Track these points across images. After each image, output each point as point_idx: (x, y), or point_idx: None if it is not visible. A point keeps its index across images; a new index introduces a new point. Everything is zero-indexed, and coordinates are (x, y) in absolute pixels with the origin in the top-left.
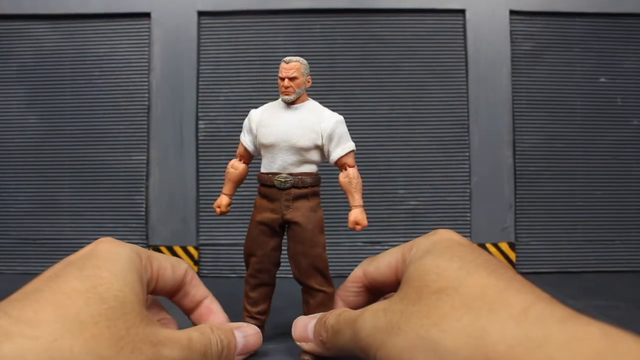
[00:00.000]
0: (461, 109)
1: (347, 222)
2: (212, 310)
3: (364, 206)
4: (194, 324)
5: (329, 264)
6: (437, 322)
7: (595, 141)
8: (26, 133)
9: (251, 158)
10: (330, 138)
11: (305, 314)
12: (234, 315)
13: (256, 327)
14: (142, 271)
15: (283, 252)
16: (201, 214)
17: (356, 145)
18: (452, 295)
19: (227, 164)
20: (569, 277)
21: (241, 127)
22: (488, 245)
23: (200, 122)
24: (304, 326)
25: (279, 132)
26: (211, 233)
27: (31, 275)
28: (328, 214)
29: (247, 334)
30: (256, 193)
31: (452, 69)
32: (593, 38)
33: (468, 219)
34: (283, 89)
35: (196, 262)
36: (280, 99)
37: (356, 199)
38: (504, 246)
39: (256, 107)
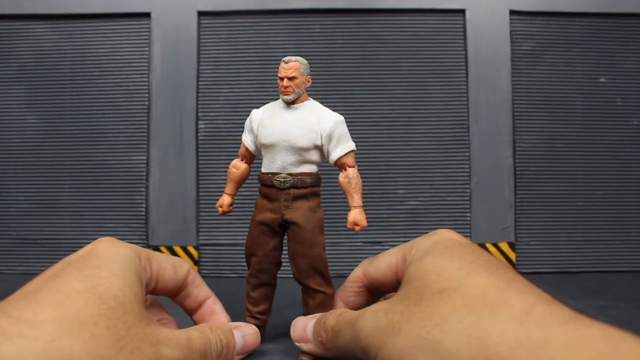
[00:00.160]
0: (461, 109)
1: (347, 222)
2: (214, 311)
3: (363, 206)
4: (196, 324)
5: (329, 264)
6: (438, 323)
7: (595, 141)
8: (26, 133)
9: (253, 158)
10: (329, 138)
11: (305, 314)
12: (235, 315)
13: (255, 327)
14: (142, 271)
15: (284, 252)
16: (201, 214)
17: (356, 145)
18: (453, 296)
19: (227, 163)
20: (569, 277)
21: (241, 127)
22: (488, 245)
23: (200, 122)
24: (303, 327)
25: (279, 132)
26: (211, 233)
27: (31, 275)
28: (328, 214)
29: (245, 333)
30: (256, 193)
31: (452, 69)
32: (593, 38)
33: (468, 219)
34: (282, 89)
35: (196, 262)
36: (280, 99)
37: (355, 199)
38: (504, 246)
39: (256, 107)
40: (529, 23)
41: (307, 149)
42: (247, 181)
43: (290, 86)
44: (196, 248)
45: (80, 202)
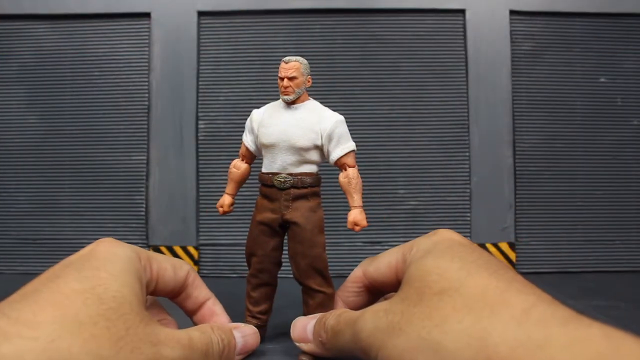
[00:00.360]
0: (461, 109)
1: (347, 222)
2: (214, 312)
3: (363, 206)
4: (196, 326)
5: (329, 264)
6: (438, 324)
7: (595, 141)
8: (26, 133)
9: (253, 158)
10: (329, 138)
11: (305, 314)
12: (235, 315)
13: (254, 327)
14: (142, 272)
15: (284, 252)
16: (201, 214)
17: (356, 145)
18: (454, 297)
19: (227, 163)
20: (569, 277)
21: (241, 127)
22: (488, 245)
23: (200, 122)
24: (303, 327)
25: (279, 132)
26: (211, 233)
27: (31, 275)
28: (328, 214)
29: (245, 333)
30: (257, 193)
31: (452, 69)
32: (593, 38)
33: (468, 219)
34: (282, 89)
35: (196, 262)
36: (280, 99)
37: (355, 199)
38: (504, 246)
39: (256, 107)
40: (529, 23)
41: (307, 149)
42: (247, 181)
43: (291, 86)
44: (196, 248)
45: (80, 202)
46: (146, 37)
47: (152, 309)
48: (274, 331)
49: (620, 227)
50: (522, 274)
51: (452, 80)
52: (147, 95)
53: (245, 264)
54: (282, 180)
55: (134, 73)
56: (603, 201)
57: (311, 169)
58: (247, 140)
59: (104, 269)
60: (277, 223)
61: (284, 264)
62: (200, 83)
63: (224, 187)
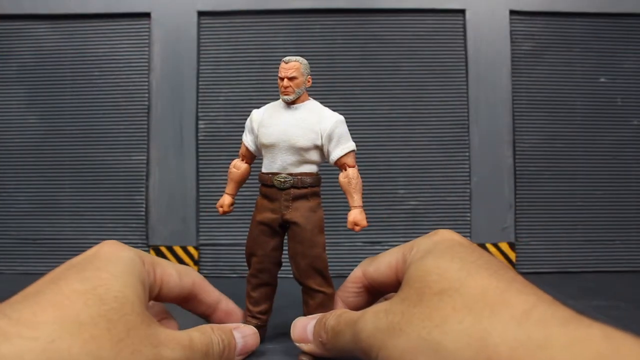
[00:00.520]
0: (461, 109)
1: (347, 222)
2: (229, 312)
3: (363, 206)
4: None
5: (329, 264)
6: (438, 324)
7: (595, 141)
8: (26, 133)
9: (253, 158)
10: (329, 138)
11: (305, 314)
12: None
13: (254, 328)
14: (144, 274)
15: (284, 252)
16: (201, 214)
17: (356, 145)
18: (454, 297)
19: (227, 163)
20: (569, 277)
21: (241, 127)
22: (488, 245)
23: (200, 122)
24: (303, 327)
25: (279, 132)
26: (211, 233)
27: (31, 275)
28: (328, 214)
29: (245, 334)
30: (256, 193)
31: (452, 69)
32: (593, 38)
33: (468, 219)
34: (282, 89)
35: (196, 262)
36: (280, 99)
37: (355, 199)
38: (504, 246)
39: (256, 107)
40: (529, 23)
41: (307, 149)
42: (247, 181)
43: (291, 86)
44: (196, 248)
45: (80, 202)
46: (146, 37)
47: (153, 308)
48: (274, 331)
49: (620, 227)
50: (522, 274)
51: (452, 80)
52: (147, 95)
53: (245, 264)
54: (282, 180)
55: (134, 73)
56: (603, 201)
57: (311, 169)
58: (247, 140)
59: (105, 270)
60: (277, 223)
61: (284, 264)
62: (200, 83)
63: (224, 187)
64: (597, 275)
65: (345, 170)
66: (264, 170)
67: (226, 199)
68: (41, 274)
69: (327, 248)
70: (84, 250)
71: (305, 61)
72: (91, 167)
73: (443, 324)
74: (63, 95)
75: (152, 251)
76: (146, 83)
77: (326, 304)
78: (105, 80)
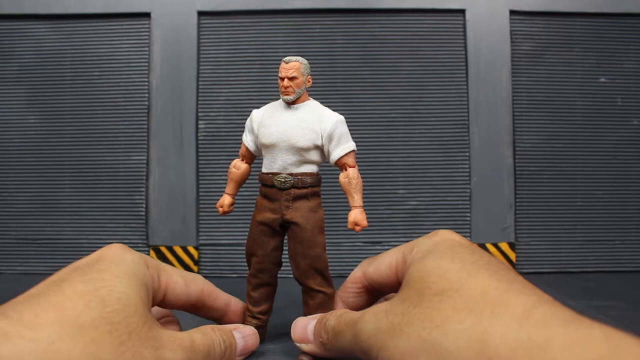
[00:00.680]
0: (461, 109)
1: (347, 222)
2: (239, 313)
3: (363, 206)
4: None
5: (329, 264)
6: (439, 324)
7: (595, 141)
8: (26, 133)
9: (253, 158)
10: (330, 138)
11: (305, 314)
12: None
13: (253, 328)
14: (148, 278)
15: (284, 252)
16: (201, 214)
17: (356, 145)
18: (454, 297)
19: (227, 163)
20: (569, 277)
21: (241, 127)
22: (488, 245)
23: (200, 122)
24: (304, 327)
25: (279, 132)
26: (211, 233)
27: (31, 275)
28: (328, 214)
29: (245, 334)
30: (256, 193)
31: (452, 69)
32: (593, 38)
33: (468, 219)
34: (283, 89)
35: (196, 262)
36: (281, 99)
37: (356, 199)
38: (504, 246)
39: (256, 107)
40: (529, 23)
41: (307, 149)
42: (247, 181)
43: (291, 86)
44: (196, 248)
45: (80, 202)
46: (146, 37)
47: (154, 309)
48: (274, 331)
49: (620, 227)
50: (522, 274)
51: (452, 80)
52: (147, 95)
53: (245, 264)
54: (283, 180)
55: (134, 73)
56: (603, 201)
57: (311, 169)
58: (247, 140)
59: (108, 272)
60: (278, 223)
61: (283, 264)
62: (200, 83)
63: (224, 187)
64: (597, 275)
65: (346, 170)
66: (264, 170)
67: (226, 199)
68: (41, 274)
69: (327, 248)
70: (83, 250)
71: (305, 61)
72: (91, 167)
73: (443, 325)
74: (63, 95)
75: (152, 251)
76: (146, 83)
77: (326, 304)
78: (106, 80)
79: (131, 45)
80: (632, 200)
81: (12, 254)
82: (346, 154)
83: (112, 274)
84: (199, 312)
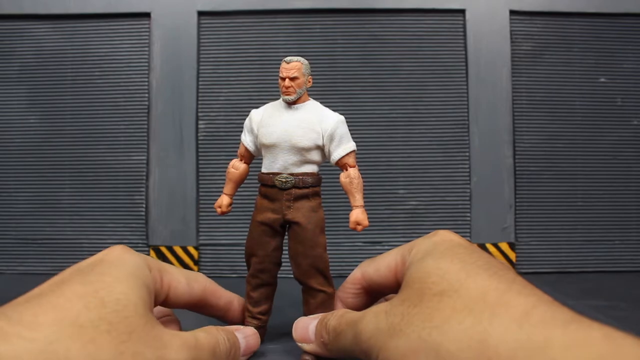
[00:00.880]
0: (461, 109)
1: (347, 222)
2: (242, 311)
3: (364, 206)
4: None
5: (330, 264)
6: (438, 325)
7: (595, 141)
8: (26, 133)
9: (252, 158)
10: (331, 138)
11: (306, 314)
12: None
13: (253, 329)
14: (150, 279)
15: (284, 252)
16: (201, 214)
17: (357, 145)
18: (454, 298)
19: (227, 163)
20: (569, 277)
21: (241, 127)
22: (488, 246)
23: (200, 122)
24: (305, 327)
25: (280, 132)
26: (211, 233)
27: (31, 275)
28: (329, 214)
29: (246, 334)
30: (256, 193)
31: (452, 69)
32: (593, 38)
33: (468, 219)
34: (284, 89)
35: (196, 262)
36: (281, 99)
37: (357, 199)
38: (504, 246)
39: (256, 107)
40: (529, 23)
41: (308, 149)
42: (246, 181)
43: (292, 86)
44: (196, 248)
45: (80, 202)
46: (146, 37)
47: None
48: (274, 331)
49: (620, 227)
50: (522, 274)
51: (452, 80)
52: (147, 95)
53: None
54: (284, 180)
55: (134, 73)
56: (603, 201)
57: (312, 169)
58: (246, 140)
59: (109, 274)
60: (278, 223)
61: (283, 264)
62: (200, 83)
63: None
64: (597, 275)
65: (347, 170)
66: (264, 170)
67: (224, 200)
68: (41, 274)
69: (327, 248)
70: (83, 250)
71: (306, 61)
72: (91, 167)
73: (443, 325)
74: (63, 95)
75: (152, 251)
76: (146, 83)
77: (327, 303)
78: (106, 80)
79: (131, 45)
80: (632, 200)
81: (12, 254)
82: (347, 154)
83: (112, 275)
84: (202, 310)
